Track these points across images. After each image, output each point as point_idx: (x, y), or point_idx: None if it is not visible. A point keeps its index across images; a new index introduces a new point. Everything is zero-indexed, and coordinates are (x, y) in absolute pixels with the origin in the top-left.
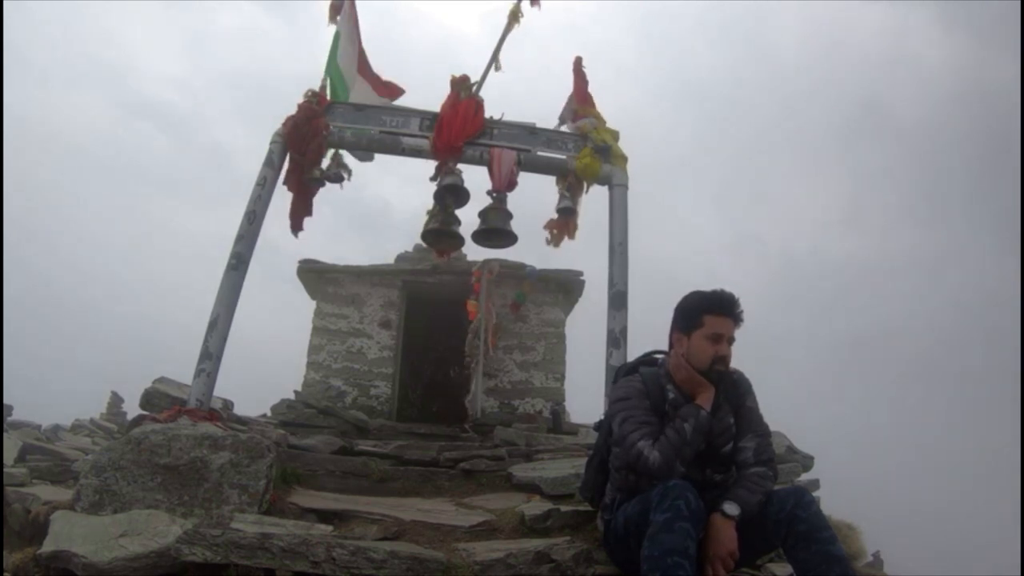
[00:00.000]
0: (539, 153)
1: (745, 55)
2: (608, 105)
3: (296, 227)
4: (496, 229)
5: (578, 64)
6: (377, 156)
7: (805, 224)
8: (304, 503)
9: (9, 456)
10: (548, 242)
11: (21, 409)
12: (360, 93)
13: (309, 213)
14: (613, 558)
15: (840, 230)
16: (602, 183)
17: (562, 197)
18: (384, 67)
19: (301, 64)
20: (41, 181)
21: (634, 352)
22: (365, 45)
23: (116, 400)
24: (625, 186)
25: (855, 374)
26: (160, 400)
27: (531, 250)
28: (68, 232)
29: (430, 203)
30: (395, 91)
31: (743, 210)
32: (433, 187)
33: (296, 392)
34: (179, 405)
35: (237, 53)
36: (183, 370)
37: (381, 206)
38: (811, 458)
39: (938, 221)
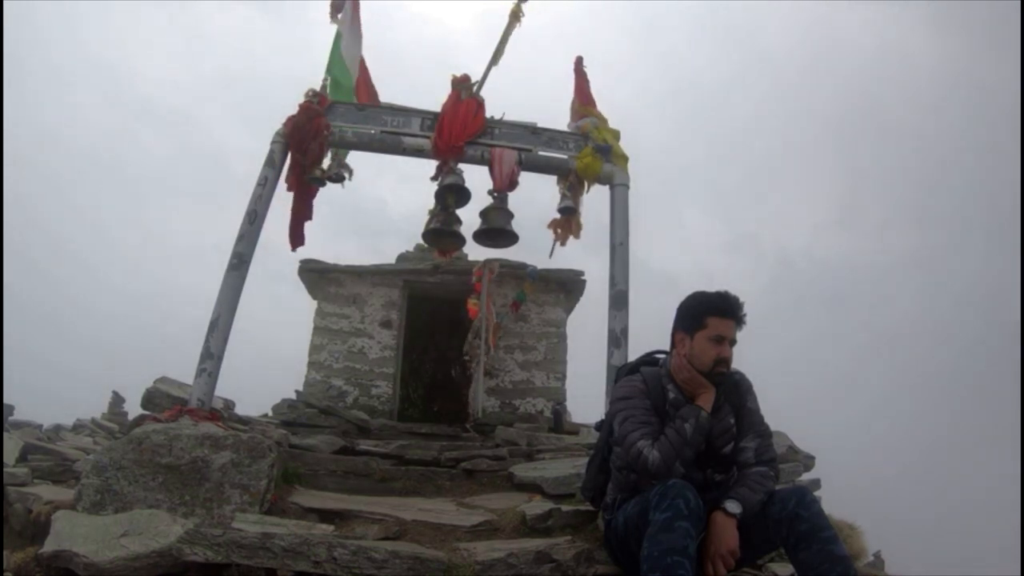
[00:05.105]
0: (540, 153)
1: (739, 55)
2: (603, 105)
3: (296, 238)
4: (497, 229)
5: (579, 64)
6: (374, 155)
7: (802, 224)
8: (305, 503)
9: (10, 456)
10: (554, 241)
11: (23, 409)
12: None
13: (310, 216)
14: (614, 558)
15: (837, 230)
16: (603, 183)
17: (563, 197)
18: (381, 67)
19: (300, 65)
20: (40, 182)
21: (635, 352)
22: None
23: (117, 400)
24: (626, 186)
25: (855, 373)
26: (161, 400)
27: (532, 250)
28: (67, 231)
29: (427, 202)
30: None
31: (739, 210)
32: (434, 187)
33: (297, 392)
34: (180, 405)
35: (234, 54)
36: (184, 370)
37: (378, 205)
38: (812, 458)
39: (937, 221)
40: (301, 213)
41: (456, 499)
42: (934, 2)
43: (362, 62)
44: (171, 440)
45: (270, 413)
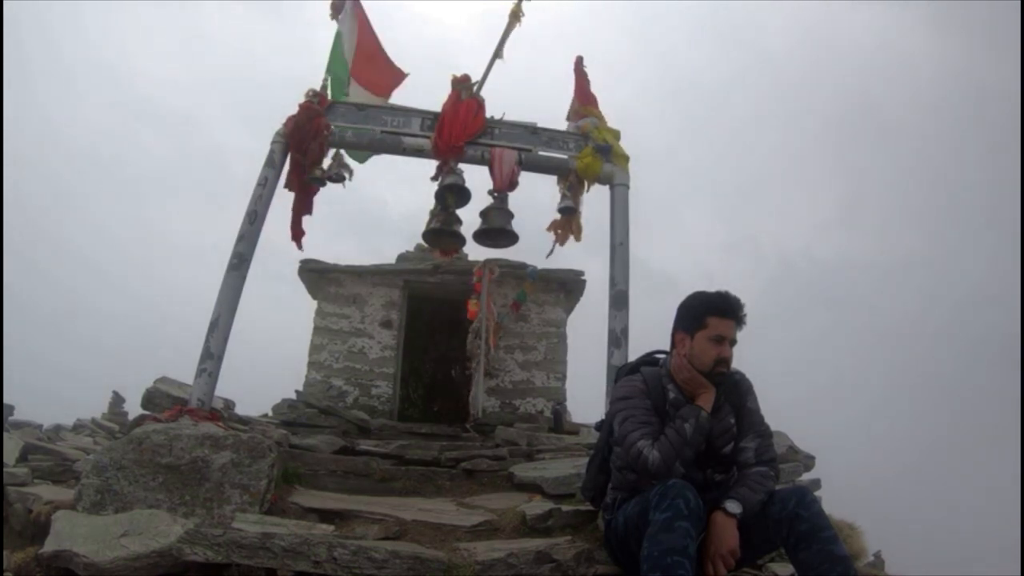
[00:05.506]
0: (540, 153)
1: (739, 55)
2: (603, 105)
3: (297, 232)
4: (497, 229)
5: (579, 64)
6: (374, 155)
7: (802, 224)
8: (305, 503)
9: (11, 456)
10: (555, 242)
11: (23, 409)
12: (359, 93)
13: (309, 212)
14: (614, 558)
15: (837, 230)
16: (603, 183)
17: (563, 197)
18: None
19: (300, 65)
20: (41, 182)
21: (635, 352)
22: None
23: (117, 400)
24: (626, 185)
25: (855, 373)
26: (161, 400)
27: (532, 250)
28: (67, 231)
29: (427, 202)
30: (399, 76)
31: (739, 210)
32: (434, 187)
33: (297, 392)
34: (180, 405)
35: (234, 54)
36: (184, 370)
37: (378, 205)
38: (812, 458)
39: (937, 221)
40: (302, 209)
41: (456, 499)
42: (934, 2)
43: (371, 52)
44: (171, 440)
45: (270, 413)
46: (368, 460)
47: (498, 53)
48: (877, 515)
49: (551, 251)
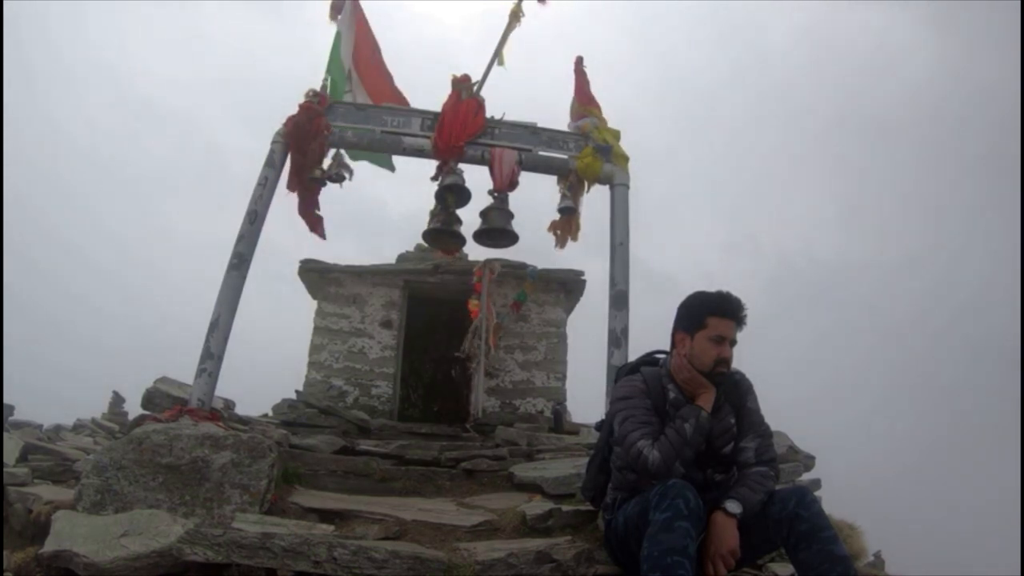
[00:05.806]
0: (540, 153)
1: (739, 54)
2: (603, 105)
3: (317, 230)
4: (497, 229)
5: (579, 64)
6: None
7: (801, 224)
8: (305, 503)
9: (11, 456)
10: (556, 244)
11: (23, 409)
12: (360, 92)
13: (318, 207)
14: (614, 558)
15: (837, 230)
16: (603, 183)
17: (563, 197)
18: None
19: (300, 65)
20: (42, 182)
21: (635, 352)
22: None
23: (117, 400)
24: (626, 185)
25: (855, 373)
26: (161, 400)
27: (532, 250)
28: (68, 231)
29: (427, 202)
30: (399, 101)
31: (739, 210)
32: (434, 187)
33: (297, 392)
34: (181, 405)
35: (234, 54)
36: (184, 370)
37: (378, 205)
38: (812, 458)
39: (937, 222)
40: (310, 208)
41: (456, 499)
42: (934, 2)
43: (374, 58)
44: (171, 440)
45: (270, 413)
46: (368, 460)
47: (498, 53)
48: (877, 515)
49: (564, 245)
